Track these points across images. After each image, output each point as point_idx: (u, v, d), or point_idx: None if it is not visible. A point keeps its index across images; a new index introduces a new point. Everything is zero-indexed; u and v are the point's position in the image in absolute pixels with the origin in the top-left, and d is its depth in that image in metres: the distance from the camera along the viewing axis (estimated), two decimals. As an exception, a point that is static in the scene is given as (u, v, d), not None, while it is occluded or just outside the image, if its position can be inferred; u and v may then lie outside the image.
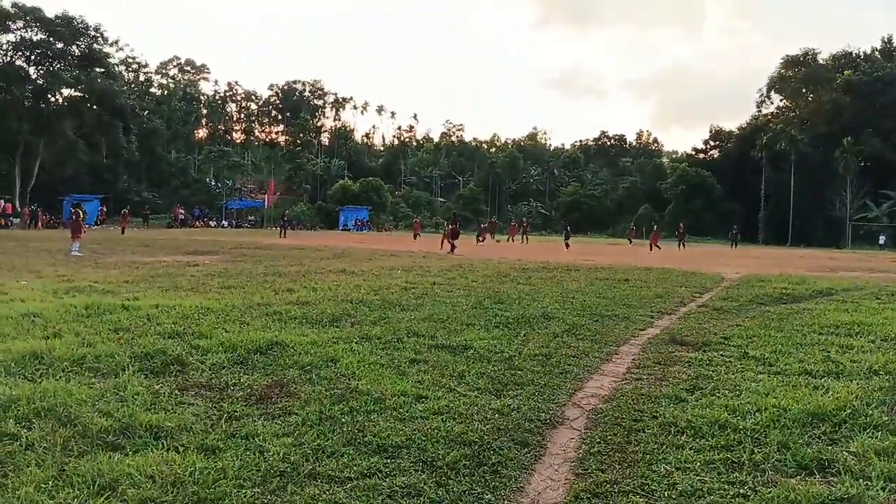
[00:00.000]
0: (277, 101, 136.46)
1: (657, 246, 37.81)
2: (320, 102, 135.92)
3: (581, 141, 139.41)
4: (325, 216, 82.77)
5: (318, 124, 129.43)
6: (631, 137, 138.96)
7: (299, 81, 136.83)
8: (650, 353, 7.20)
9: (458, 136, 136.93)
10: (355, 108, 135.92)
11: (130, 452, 3.90)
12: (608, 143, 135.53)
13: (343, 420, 4.56)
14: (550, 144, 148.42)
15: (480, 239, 42.01)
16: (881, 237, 61.64)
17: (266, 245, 28.93)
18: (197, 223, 68.02)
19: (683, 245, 42.19)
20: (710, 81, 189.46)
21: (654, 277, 16.00)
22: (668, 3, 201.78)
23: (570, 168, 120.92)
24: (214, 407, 4.79)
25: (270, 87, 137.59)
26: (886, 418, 4.75)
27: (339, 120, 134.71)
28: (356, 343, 7.03)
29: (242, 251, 23.50)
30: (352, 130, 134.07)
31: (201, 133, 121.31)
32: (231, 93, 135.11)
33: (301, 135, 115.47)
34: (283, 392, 5.19)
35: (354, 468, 3.79)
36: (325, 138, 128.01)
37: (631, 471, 3.87)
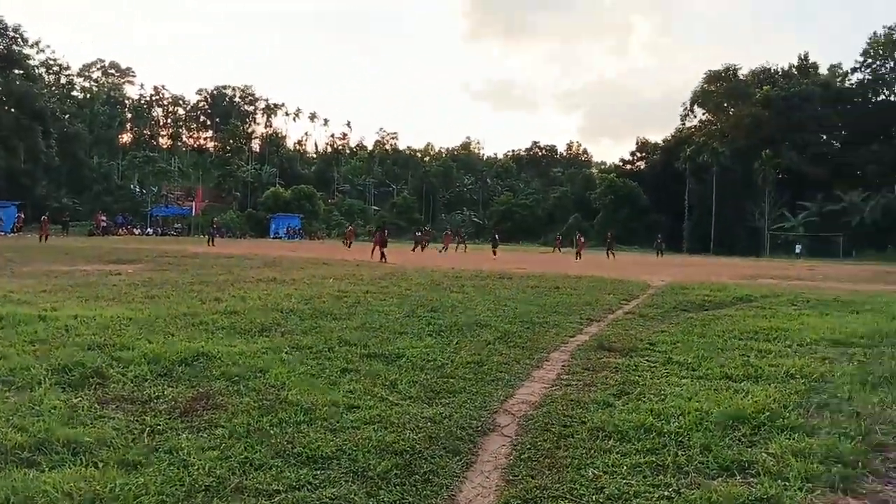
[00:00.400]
0: (206, 107, 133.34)
1: (579, 254, 39.68)
2: (251, 108, 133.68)
3: (513, 151, 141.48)
4: (255, 224, 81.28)
5: (249, 130, 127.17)
6: (562, 148, 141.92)
7: (229, 87, 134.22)
8: (579, 359, 7.34)
9: (391, 145, 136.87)
10: (287, 114, 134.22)
11: (47, 468, 3.74)
12: (539, 154, 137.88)
13: (272, 432, 4.48)
14: (484, 154, 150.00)
15: (421, 247, 42.04)
16: (797, 246, 64.58)
17: (193, 253, 28.13)
18: (120, 231, 65.68)
19: (612, 254, 43.20)
20: (637, 95, 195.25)
21: (583, 285, 16.31)
22: (595, 19, 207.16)
23: (503, 177, 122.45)
24: (136, 421, 4.63)
25: (199, 91, 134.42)
26: (803, 420, 4.96)
27: (271, 126, 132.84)
28: (286, 353, 6.91)
29: (168, 260, 22.78)
30: (284, 137, 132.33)
31: (126, 138, 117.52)
32: (157, 97, 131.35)
33: (231, 141, 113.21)
34: (209, 404, 5.05)
35: (283, 480, 3.72)
36: (255, 145, 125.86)
37: (560, 476, 3.93)
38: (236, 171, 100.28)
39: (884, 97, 79.98)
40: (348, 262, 24.59)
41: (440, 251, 43.00)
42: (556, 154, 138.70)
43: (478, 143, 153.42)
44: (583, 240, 43.90)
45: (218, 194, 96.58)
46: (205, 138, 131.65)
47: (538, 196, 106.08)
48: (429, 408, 5.18)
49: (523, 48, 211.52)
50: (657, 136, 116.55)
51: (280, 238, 71.78)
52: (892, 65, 78.42)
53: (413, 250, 38.07)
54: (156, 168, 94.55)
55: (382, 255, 27.56)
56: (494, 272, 20.46)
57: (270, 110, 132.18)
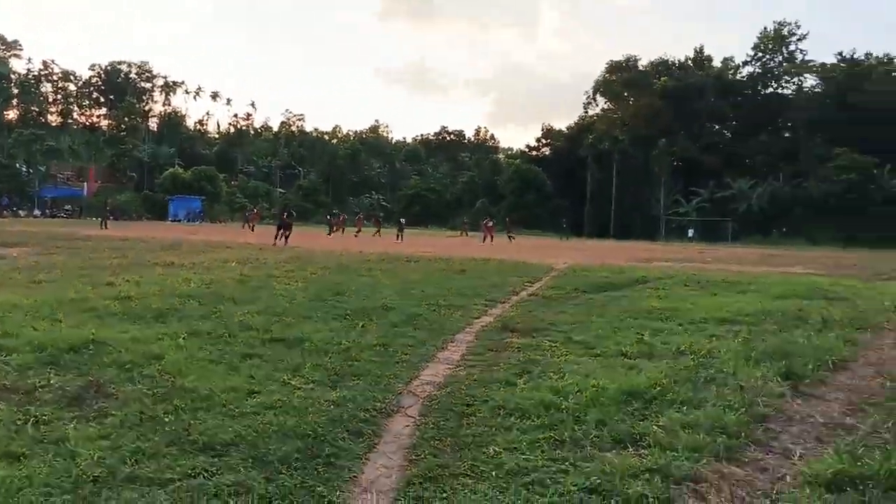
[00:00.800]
0: (99, 83, 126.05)
1: (491, 237, 40.64)
2: (148, 85, 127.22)
3: (422, 135, 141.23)
4: (152, 206, 77.86)
5: (146, 108, 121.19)
6: (469, 133, 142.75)
7: (124, 62, 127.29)
8: (484, 340, 7.47)
9: (298, 126, 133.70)
10: (187, 92, 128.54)
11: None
12: (448, 139, 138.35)
13: (166, 420, 4.34)
14: (392, 138, 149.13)
15: (334, 230, 41.15)
16: (690, 231, 67.93)
17: (85, 236, 26.72)
18: (4, 213, 61.53)
19: (512, 237, 44.40)
20: (544, 81, 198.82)
21: (489, 268, 16.58)
22: (505, 3, 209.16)
23: (412, 161, 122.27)
24: (20, 411, 4.39)
25: (92, 66, 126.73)
26: (691, 394, 5.22)
27: (170, 105, 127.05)
28: (183, 339, 6.69)
29: (57, 243, 21.54)
30: (183, 116, 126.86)
31: (11, 115, 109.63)
32: (46, 72, 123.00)
33: (126, 119, 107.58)
34: (99, 393, 4.83)
35: (178, 469, 3.62)
36: (153, 124, 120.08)
37: (462, 454, 3.99)
38: (132, 151, 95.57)
39: (772, 90, 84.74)
40: (251, 246, 24.00)
41: (355, 234, 42.68)
42: (465, 139, 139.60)
43: (386, 126, 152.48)
44: (491, 224, 44.64)
45: (112, 174, 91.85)
46: (98, 116, 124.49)
47: (446, 181, 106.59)
48: (332, 391, 5.14)
49: (434, 31, 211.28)
50: (562, 124, 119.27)
51: (179, 221, 69.15)
52: (780, 59, 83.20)
53: (329, 234, 36.91)
54: (44, 146, 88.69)
55: (286, 238, 27.02)
56: (402, 255, 20.46)
57: (169, 88, 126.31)
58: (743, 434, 4.38)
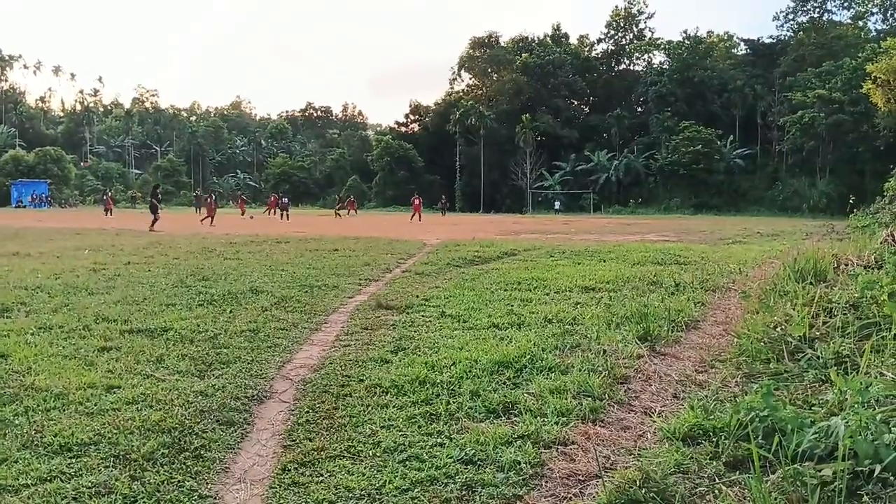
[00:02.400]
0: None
1: (419, 215, 41.37)
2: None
3: (288, 112, 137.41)
4: (-8, 192, 71.36)
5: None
6: (337, 110, 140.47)
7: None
8: (358, 319, 7.41)
9: (152, 103, 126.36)
10: (26, 67, 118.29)
11: None
12: (315, 115, 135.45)
13: (16, 422, 4.04)
14: (256, 114, 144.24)
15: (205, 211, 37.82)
16: (556, 203, 70.59)
17: None
18: None
19: (339, 214, 45.25)
20: (412, 57, 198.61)
21: (361, 246, 16.46)
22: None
23: (278, 139, 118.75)
24: None
25: None
26: (558, 361, 5.44)
27: (6, 81, 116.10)
28: (32, 335, 6.21)
29: None
30: (22, 93, 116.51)
31: None
32: None
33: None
34: (-67, 399, 4.38)
35: (32, 473, 3.38)
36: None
37: (338, 435, 3.95)
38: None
39: (624, 66, 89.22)
40: (106, 232, 22.52)
41: (242, 216, 40.93)
42: (332, 116, 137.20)
43: (249, 102, 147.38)
44: (418, 202, 44.67)
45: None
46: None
47: (315, 158, 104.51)
48: (200, 381, 4.93)
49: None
50: (430, 99, 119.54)
51: (24, 207, 63.80)
52: (630, 37, 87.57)
53: (209, 217, 33.44)
54: None
55: (154, 221, 25.33)
56: (271, 236, 19.92)
57: (5, 62, 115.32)
58: (607, 395, 4.61)
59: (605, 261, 13.29)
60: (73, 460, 3.55)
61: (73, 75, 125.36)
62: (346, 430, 4.02)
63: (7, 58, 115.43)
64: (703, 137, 66.11)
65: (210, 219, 32.87)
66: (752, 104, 71.71)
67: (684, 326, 6.89)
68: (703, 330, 6.96)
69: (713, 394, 4.61)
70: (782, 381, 4.67)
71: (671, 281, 9.94)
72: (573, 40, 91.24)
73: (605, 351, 5.72)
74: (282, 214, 41.70)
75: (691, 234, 26.03)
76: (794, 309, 6.34)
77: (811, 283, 7.49)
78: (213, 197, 39.98)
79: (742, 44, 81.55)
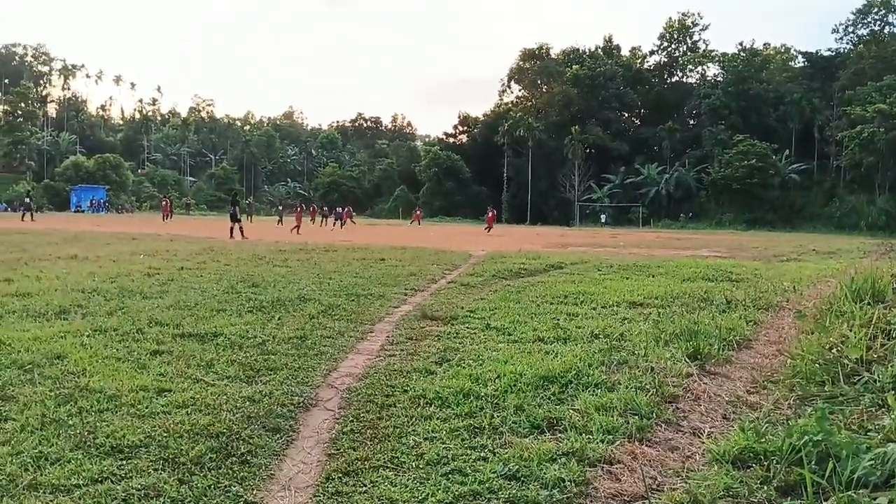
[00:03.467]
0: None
1: (490, 226, 42.41)
2: (46, 69, 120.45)
3: (339, 122, 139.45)
4: (54, 196, 74.03)
5: (44, 93, 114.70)
6: (387, 120, 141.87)
7: (19, 45, 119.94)
8: (403, 329, 7.43)
9: (208, 112, 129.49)
10: (88, 76, 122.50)
11: None
12: (365, 125, 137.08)
13: (70, 422, 4.13)
14: (308, 125, 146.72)
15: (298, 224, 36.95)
16: (603, 216, 69.98)
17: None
18: None
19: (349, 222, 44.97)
20: (462, 69, 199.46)
21: (408, 256, 16.54)
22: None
23: (328, 148, 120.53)
24: None
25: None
26: (605, 377, 5.35)
27: (69, 89, 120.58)
28: (88, 336, 6.37)
29: (-54, 237, 20.15)
30: (84, 101, 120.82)
31: None
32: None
33: (23, 105, 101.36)
34: (-5, 397, 4.54)
35: (84, 474, 3.45)
36: (52, 110, 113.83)
37: (382, 446, 3.96)
38: (29, 139, 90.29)
39: (677, 78, 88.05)
40: (161, 237, 23.12)
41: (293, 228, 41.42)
42: (382, 126, 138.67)
43: (301, 112, 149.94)
44: (492, 214, 45.98)
45: (9, 163, 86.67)
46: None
47: (364, 168, 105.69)
48: (248, 387, 5.01)
49: (350, 13, 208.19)
50: (479, 111, 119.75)
51: (83, 211, 66.00)
52: (684, 48, 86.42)
53: (297, 227, 33.16)
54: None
55: (239, 231, 24.60)
56: (320, 245, 20.18)
57: (68, 72, 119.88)
58: (654, 414, 4.52)
59: (653, 276, 13.08)
60: (124, 462, 3.62)
61: (133, 85, 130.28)
62: (389, 441, 4.03)
63: (71, 67, 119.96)
64: (758, 151, 64.61)
65: (297, 227, 32.90)
66: (809, 118, 69.94)
67: (736, 345, 6.73)
68: (756, 350, 6.78)
69: (765, 416, 4.47)
70: (837, 405, 4.50)
71: (722, 298, 9.71)
72: (625, 52, 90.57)
73: (653, 368, 5.61)
74: (334, 223, 42.20)
75: (744, 250, 25.44)
76: (850, 330, 6.12)
77: (869, 304, 7.22)
78: (303, 207, 39.96)
79: (799, 56, 79.76)
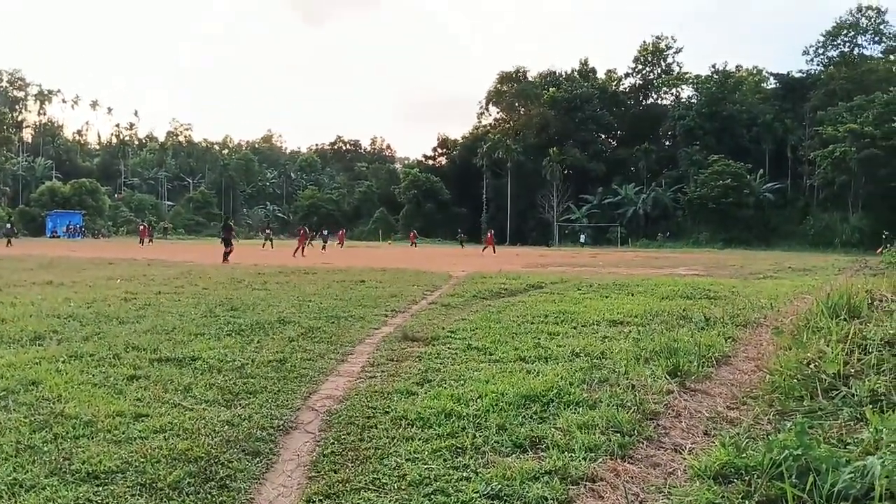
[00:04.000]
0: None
1: (493, 247, 42.92)
2: (21, 94, 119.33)
3: (317, 145, 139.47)
4: (29, 222, 73.06)
5: (20, 118, 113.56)
6: (366, 143, 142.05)
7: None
8: (384, 350, 7.39)
9: (186, 136, 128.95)
10: (64, 101, 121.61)
11: None
12: (344, 148, 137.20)
13: (45, 449, 4.06)
14: (287, 148, 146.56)
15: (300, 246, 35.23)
16: (582, 236, 70.47)
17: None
18: None
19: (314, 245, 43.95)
20: (440, 92, 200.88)
21: (388, 278, 16.51)
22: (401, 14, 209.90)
23: (307, 171, 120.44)
24: None
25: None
26: (586, 395, 5.36)
27: (45, 114, 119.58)
28: (63, 362, 6.27)
29: (-84, 264, 19.78)
30: (60, 127, 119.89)
31: None
32: None
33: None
34: (-34, 425, 4.44)
35: (60, 500, 3.41)
36: (27, 135, 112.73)
37: (363, 467, 3.93)
38: (4, 164, 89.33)
39: (652, 100, 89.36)
40: (138, 262, 22.88)
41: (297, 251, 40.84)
42: (361, 149, 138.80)
43: (280, 136, 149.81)
44: (490, 234, 46.50)
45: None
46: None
47: (343, 190, 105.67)
48: (226, 411, 4.95)
49: (325, 34, 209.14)
50: (458, 133, 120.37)
51: (59, 237, 65.23)
52: (658, 71, 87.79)
53: (300, 248, 33.37)
54: None
55: (224, 255, 24.54)
56: (299, 268, 20.08)
57: (44, 97, 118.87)
58: (636, 431, 4.53)
59: (633, 294, 13.16)
60: (100, 488, 3.56)
61: (109, 109, 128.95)
62: (371, 463, 4.00)
63: (47, 92, 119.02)
64: (733, 171, 65.55)
65: (301, 249, 32.97)
66: (781, 138, 71.22)
67: (715, 362, 6.77)
68: (735, 366, 6.83)
69: (745, 431, 4.49)
70: (816, 419, 4.54)
71: (701, 315, 9.78)
72: (601, 75, 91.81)
73: (633, 386, 5.63)
74: (323, 246, 41.95)
75: (721, 268, 25.71)
76: (827, 345, 6.19)
77: (845, 320, 7.31)
78: (306, 229, 39.44)
79: (771, 78, 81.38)
